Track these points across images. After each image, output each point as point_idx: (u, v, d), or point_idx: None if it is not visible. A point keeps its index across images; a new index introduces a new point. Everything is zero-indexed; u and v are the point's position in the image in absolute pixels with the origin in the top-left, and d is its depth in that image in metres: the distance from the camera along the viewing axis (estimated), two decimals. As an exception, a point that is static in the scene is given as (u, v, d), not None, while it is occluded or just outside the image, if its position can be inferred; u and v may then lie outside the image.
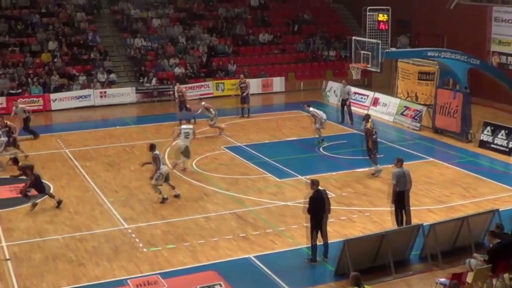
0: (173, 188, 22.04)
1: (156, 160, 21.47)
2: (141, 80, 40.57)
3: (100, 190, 23.16)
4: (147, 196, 22.23)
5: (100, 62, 41.21)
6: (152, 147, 21.75)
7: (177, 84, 36.02)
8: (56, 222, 20.27)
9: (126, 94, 39.19)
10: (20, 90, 38.01)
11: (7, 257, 17.88)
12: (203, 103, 30.68)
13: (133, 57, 42.48)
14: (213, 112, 30.22)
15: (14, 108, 31.32)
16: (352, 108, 33.06)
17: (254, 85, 39.65)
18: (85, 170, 25.47)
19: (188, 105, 32.14)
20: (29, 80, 38.72)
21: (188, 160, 25.32)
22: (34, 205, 21.27)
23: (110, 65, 41.44)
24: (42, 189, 21.57)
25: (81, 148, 28.78)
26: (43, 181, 22.09)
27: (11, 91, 37.79)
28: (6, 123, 27.22)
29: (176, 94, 34.89)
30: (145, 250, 18.09)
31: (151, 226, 19.73)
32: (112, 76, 40.45)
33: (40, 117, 35.82)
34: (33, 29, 42.55)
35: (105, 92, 38.85)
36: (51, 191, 22.75)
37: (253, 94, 36.86)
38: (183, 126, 25.34)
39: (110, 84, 39.94)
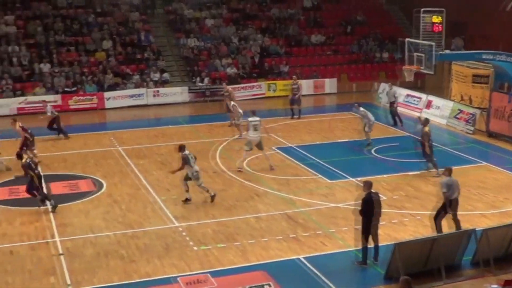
0: (187, 191, 21.82)
1: (186, 160, 21.34)
2: (193, 80, 40.88)
3: (152, 188, 23.38)
4: (198, 195, 22.32)
5: (153, 61, 41.64)
6: (181, 148, 21.59)
7: (224, 83, 36.07)
8: (108, 219, 20.54)
9: (179, 93, 39.58)
10: (75, 88, 38.66)
11: (60, 252, 18.17)
12: (233, 103, 30.71)
13: (186, 57, 42.81)
14: (240, 112, 30.20)
15: (46, 107, 31.52)
16: (406, 110, 32.78)
17: (306, 86, 39.64)
18: (137, 168, 25.75)
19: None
20: (84, 78, 39.36)
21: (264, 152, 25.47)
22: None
23: (163, 65, 41.85)
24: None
25: (134, 146, 29.12)
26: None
27: (66, 89, 38.45)
28: (22, 127, 26.56)
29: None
30: (195, 248, 18.20)
31: (202, 225, 19.84)
32: (165, 75, 40.84)
33: (94, 115, 36.49)
34: (88, 28, 43.20)
35: (158, 91, 39.28)
36: (104, 188, 23.18)
37: (305, 95, 36.80)
38: (250, 119, 25.16)
39: (163, 83, 40.35)
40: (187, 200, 21.70)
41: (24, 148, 25.97)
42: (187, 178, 21.64)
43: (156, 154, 27.88)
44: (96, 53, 41.41)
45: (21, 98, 37.18)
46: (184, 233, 19.23)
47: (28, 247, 18.59)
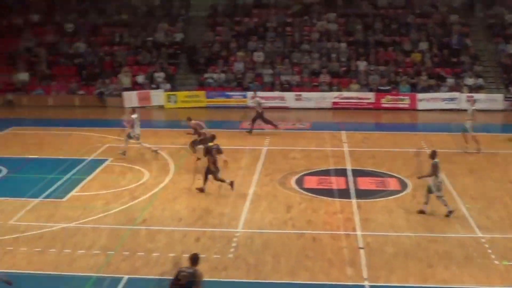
0: (426, 203, 20.90)
1: (435, 169, 20.46)
2: (509, 88, 39.40)
3: (457, 194, 22.90)
4: (505, 206, 21.58)
5: (469, 65, 40.76)
6: (434, 154, 20.73)
7: None
8: (410, 220, 20.58)
9: (494, 100, 38.30)
10: (388, 87, 39.25)
11: (360, 245, 18.60)
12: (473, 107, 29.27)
13: (504, 63, 41.31)
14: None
15: (251, 99, 32.47)
16: None
17: None
18: (444, 173, 25.34)
19: None
20: (399, 78, 39.76)
21: None
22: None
23: (480, 70, 40.78)
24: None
25: (443, 150, 28.57)
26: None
27: (380, 88, 39.18)
28: (199, 124, 26.48)
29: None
30: (496, 262, 17.60)
31: (507, 239, 19.10)
32: (480, 81, 39.78)
33: (405, 115, 36.83)
34: (406, 29, 43.51)
35: (472, 96, 38.34)
36: (409, 188, 23.37)
37: None
38: None
39: (478, 89, 39.32)
40: (450, 212, 20.73)
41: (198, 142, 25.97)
42: (430, 190, 20.82)
43: (465, 160, 27.29)
44: (412, 54, 41.59)
45: (336, 93, 38.67)
46: (486, 245, 18.65)
47: (330, 236, 19.33)
